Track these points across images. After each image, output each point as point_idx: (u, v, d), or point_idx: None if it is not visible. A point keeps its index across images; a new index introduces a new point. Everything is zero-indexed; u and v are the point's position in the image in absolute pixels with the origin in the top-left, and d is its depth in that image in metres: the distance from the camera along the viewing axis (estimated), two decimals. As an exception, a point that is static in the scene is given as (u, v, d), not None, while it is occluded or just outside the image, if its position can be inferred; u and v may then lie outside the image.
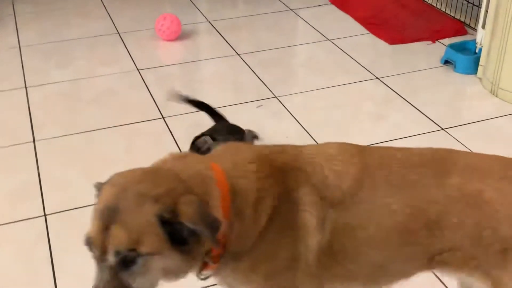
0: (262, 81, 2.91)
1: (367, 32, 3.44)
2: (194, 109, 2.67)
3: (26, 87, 2.87)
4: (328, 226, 1.13)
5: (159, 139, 2.46)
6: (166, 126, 2.54)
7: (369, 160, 1.18)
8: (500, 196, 1.10)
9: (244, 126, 2.36)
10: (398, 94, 2.78)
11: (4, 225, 1.99)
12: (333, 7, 3.83)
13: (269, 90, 2.83)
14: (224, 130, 2.08)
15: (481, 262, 1.13)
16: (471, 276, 1.17)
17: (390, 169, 1.16)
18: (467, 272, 1.17)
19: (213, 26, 3.58)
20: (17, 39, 3.40)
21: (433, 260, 1.16)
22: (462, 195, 1.11)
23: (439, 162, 1.18)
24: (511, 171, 1.15)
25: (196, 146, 1.87)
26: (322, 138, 2.44)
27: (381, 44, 3.30)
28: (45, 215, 2.02)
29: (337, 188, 1.14)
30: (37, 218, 2.01)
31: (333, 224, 1.13)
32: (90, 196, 2.08)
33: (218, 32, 3.48)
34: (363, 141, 2.39)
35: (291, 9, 3.80)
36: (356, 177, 1.15)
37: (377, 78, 2.93)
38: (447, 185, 1.12)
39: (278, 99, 2.75)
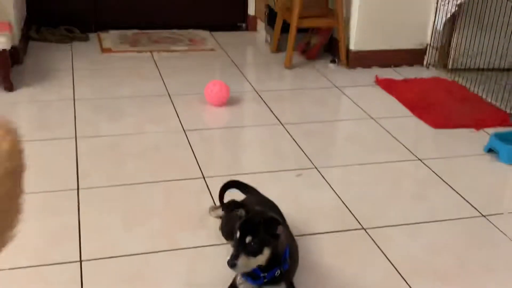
0: (303, 151, 2.95)
1: (411, 114, 3.48)
2: (234, 171, 2.74)
3: (76, 137, 2.98)
4: None
5: (197, 197, 2.49)
6: (206, 185, 2.58)
7: None
8: None
9: (282, 193, 2.40)
10: (439, 176, 2.76)
11: (38, 266, 2.02)
12: (378, 88, 3.90)
13: (310, 160, 2.86)
14: (259, 204, 2.07)
15: None
16: None
17: None
18: None
19: (259, 95, 3.68)
20: (72, 92, 3.57)
21: None
22: None
23: None
24: None
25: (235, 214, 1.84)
26: (359, 212, 2.43)
27: (425, 127, 3.33)
28: (80, 261, 2.05)
29: None
30: (72, 263, 2.04)
31: None
32: (126, 247, 2.13)
33: (264, 102, 3.58)
34: (400, 220, 2.39)
35: (336, 86, 3.89)
36: None
37: (418, 159, 2.93)
38: None
39: (318, 170, 2.78)
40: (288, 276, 1.87)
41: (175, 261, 2.09)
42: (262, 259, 1.76)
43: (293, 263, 1.91)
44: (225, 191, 2.32)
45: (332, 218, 2.41)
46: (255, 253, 1.73)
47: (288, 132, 3.18)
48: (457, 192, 2.63)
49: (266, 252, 1.76)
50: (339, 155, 3.02)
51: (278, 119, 3.34)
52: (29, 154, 3.01)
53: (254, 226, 1.74)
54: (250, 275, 1.82)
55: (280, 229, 1.78)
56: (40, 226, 2.26)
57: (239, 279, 1.85)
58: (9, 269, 2.00)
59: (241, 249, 1.73)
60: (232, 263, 1.72)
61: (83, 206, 2.39)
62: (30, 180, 2.58)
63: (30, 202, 2.39)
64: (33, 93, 3.54)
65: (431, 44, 4.27)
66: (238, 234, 1.74)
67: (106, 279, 1.98)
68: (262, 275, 1.81)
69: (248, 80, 3.95)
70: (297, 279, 1.98)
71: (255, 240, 1.72)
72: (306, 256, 2.13)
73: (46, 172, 2.66)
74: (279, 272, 1.82)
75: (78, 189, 2.51)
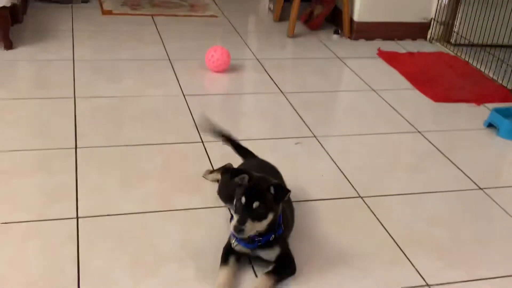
0: (303, 120, 2.94)
1: (413, 87, 3.46)
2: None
3: (75, 98, 2.96)
4: None
5: (195, 161, 2.48)
6: (204, 150, 2.57)
7: None
8: None
9: (280, 161, 2.38)
10: (438, 149, 2.76)
11: (36, 222, 2.02)
12: (380, 60, 3.87)
13: (309, 129, 2.85)
14: (260, 168, 2.07)
15: None
16: None
17: None
18: None
19: (260, 63, 3.65)
20: (72, 53, 3.53)
21: None
22: None
23: None
24: None
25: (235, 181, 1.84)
26: (357, 181, 2.43)
27: (426, 100, 3.31)
28: (77, 218, 2.05)
29: None
30: (69, 220, 2.04)
31: None
32: (123, 206, 2.13)
33: (265, 70, 3.55)
34: (398, 190, 2.39)
35: (338, 57, 3.86)
36: None
37: (418, 131, 2.92)
38: None
39: (317, 138, 2.77)
40: (282, 240, 1.87)
41: (171, 222, 2.09)
42: (265, 223, 1.77)
43: (286, 227, 1.91)
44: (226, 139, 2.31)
45: (329, 186, 2.41)
46: (261, 218, 1.75)
47: (288, 100, 3.16)
48: (455, 165, 2.63)
49: (270, 216, 1.77)
50: (338, 125, 3.01)
51: (279, 88, 3.32)
52: (28, 112, 3.01)
53: (261, 192, 1.75)
54: (244, 239, 1.82)
55: (288, 196, 1.78)
56: (37, 183, 2.26)
57: (233, 242, 1.86)
58: (7, 223, 2.00)
59: (247, 214, 1.73)
60: (239, 228, 1.72)
61: (81, 165, 2.38)
62: (28, 138, 2.59)
63: (28, 159, 2.40)
64: (33, 52, 3.50)
65: (436, 18, 4.23)
66: (244, 200, 1.74)
67: (101, 236, 1.98)
68: (257, 239, 1.81)
69: (249, 48, 3.91)
70: (293, 244, 1.98)
71: (261, 205, 1.73)
72: (302, 221, 2.13)
73: (44, 130, 2.64)
74: (273, 237, 1.82)
75: (76, 148, 2.50)
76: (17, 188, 2.21)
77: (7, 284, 1.75)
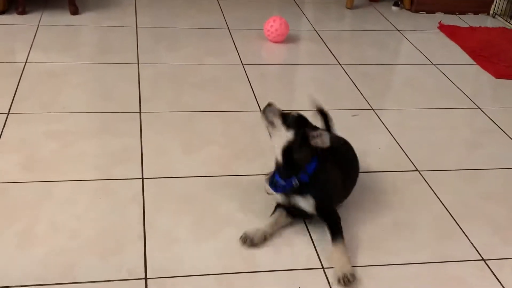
0: (361, 92, 2.94)
1: (474, 62, 3.40)
2: (290, 107, 2.76)
3: (138, 63, 3.05)
4: None
5: (254, 129, 2.54)
6: (263, 119, 2.62)
7: None
8: None
9: (337, 132, 2.40)
10: (498, 126, 2.73)
11: (104, 180, 2.13)
12: (441, 34, 3.81)
13: (367, 101, 2.86)
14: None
15: None
16: None
17: None
18: None
19: (318, 34, 3.65)
20: (135, 20, 3.62)
21: None
22: None
23: None
24: None
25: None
26: (415, 155, 2.44)
27: (487, 76, 3.25)
28: (142, 178, 2.15)
29: None
30: (135, 180, 2.14)
31: None
32: (185, 169, 2.22)
33: (323, 41, 3.55)
34: (456, 165, 2.39)
35: (398, 30, 3.82)
36: None
37: (478, 107, 2.89)
38: None
39: (374, 111, 2.77)
40: (314, 190, 1.90)
41: (230, 187, 2.16)
42: (282, 137, 1.87)
43: (328, 186, 1.94)
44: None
45: (386, 159, 2.42)
46: (284, 122, 1.87)
47: (346, 72, 3.17)
48: (515, 143, 2.60)
49: (290, 135, 1.86)
50: (397, 99, 3.00)
51: (337, 59, 3.32)
52: (93, 76, 3.11)
53: (302, 119, 1.90)
54: (273, 184, 1.93)
55: (315, 142, 1.85)
56: (104, 144, 2.36)
57: (269, 190, 1.98)
58: (77, 180, 2.12)
59: (278, 112, 1.89)
60: (268, 103, 1.90)
61: (145, 128, 2.47)
62: (94, 101, 2.69)
63: (94, 121, 2.51)
64: (97, 18, 3.60)
65: (500, -8, 4.11)
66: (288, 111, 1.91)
67: (165, 197, 2.07)
68: (281, 183, 1.91)
69: (307, 19, 3.91)
70: (349, 214, 2.03)
71: (292, 117, 1.88)
72: (359, 192, 2.17)
73: (109, 94, 2.74)
74: (297, 183, 1.88)
75: (140, 112, 2.59)
76: (85, 149, 2.32)
77: (78, 237, 1.86)
